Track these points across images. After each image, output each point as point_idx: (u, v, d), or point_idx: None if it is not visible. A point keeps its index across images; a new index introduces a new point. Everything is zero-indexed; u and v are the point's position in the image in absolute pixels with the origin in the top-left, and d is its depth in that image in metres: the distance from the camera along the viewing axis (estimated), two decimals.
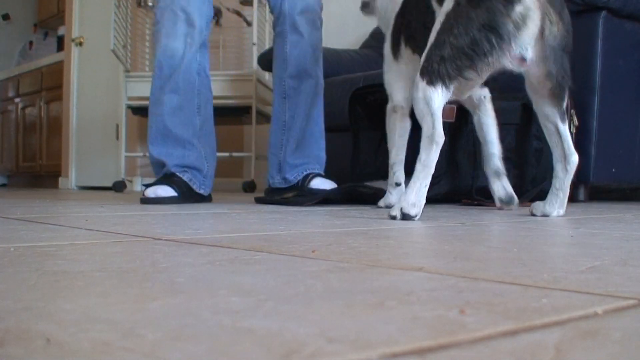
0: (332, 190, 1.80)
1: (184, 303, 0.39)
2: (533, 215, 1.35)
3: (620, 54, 2.12)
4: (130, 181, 4.07)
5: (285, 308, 0.38)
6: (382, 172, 2.19)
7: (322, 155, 1.98)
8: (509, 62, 1.21)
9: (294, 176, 1.91)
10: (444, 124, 1.84)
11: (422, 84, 1.23)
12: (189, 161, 1.85)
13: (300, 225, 1.04)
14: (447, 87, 1.22)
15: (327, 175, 1.97)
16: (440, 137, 1.24)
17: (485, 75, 1.27)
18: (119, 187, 3.55)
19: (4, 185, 6.27)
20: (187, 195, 1.82)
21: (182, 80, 1.83)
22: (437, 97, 1.23)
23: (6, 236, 0.81)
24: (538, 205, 1.37)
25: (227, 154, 3.57)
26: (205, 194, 1.90)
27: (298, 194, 1.87)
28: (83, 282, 0.47)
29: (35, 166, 5.62)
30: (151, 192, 1.77)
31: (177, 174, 1.82)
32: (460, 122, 1.88)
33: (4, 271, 0.52)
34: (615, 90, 2.11)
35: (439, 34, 1.22)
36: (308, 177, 1.88)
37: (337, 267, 0.55)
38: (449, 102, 1.85)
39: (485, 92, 1.63)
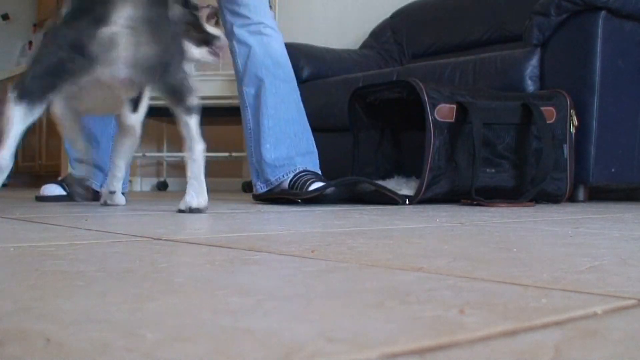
0: (330, 183, 1.77)
1: (183, 303, 0.39)
2: (180, 211, 1.35)
3: (620, 54, 2.12)
4: (130, 181, 4.07)
5: (284, 308, 0.38)
6: (382, 171, 2.18)
7: (310, 150, 1.95)
8: (107, 81, 1.25)
9: (275, 177, 1.90)
10: (444, 123, 1.85)
11: (12, 96, 1.20)
12: (89, 157, 1.91)
13: (299, 225, 1.04)
14: (32, 107, 1.20)
15: (323, 174, 1.95)
16: (5, 166, 1.24)
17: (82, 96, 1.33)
18: None
19: (3, 185, 6.27)
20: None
21: None
22: (17, 116, 1.19)
23: (6, 236, 0.81)
24: (183, 201, 1.36)
25: (226, 154, 3.57)
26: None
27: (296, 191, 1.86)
28: (82, 282, 0.47)
29: (35, 166, 5.61)
30: (41, 191, 1.91)
31: (73, 173, 1.93)
32: (459, 121, 1.88)
33: (4, 271, 0.52)
34: (615, 90, 2.11)
35: (39, 48, 1.24)
36: (307, 182, 1.85)
37: (337, 267, 0.55)
38: (447, 102, 1.86)
39: (137, 124, 1.67)
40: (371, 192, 1.82)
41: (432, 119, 1.83)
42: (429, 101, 1.84)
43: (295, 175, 1.88)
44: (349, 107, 2.19)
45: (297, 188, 1.85)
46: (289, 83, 1.95)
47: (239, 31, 1.92)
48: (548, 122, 1.95)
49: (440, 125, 1.85)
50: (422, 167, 1.85)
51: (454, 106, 1.87)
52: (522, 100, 1.97)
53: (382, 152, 2.21)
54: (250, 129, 1.96)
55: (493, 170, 1.93)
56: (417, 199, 1.82)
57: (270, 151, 1.90)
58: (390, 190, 1.77)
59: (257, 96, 1.92)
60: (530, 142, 1.95)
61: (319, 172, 1.93)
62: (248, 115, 1.96)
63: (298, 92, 1.98)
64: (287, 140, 1.91)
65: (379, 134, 2.21)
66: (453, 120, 1.87)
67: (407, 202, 1.77)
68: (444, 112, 1.86)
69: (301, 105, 1.98)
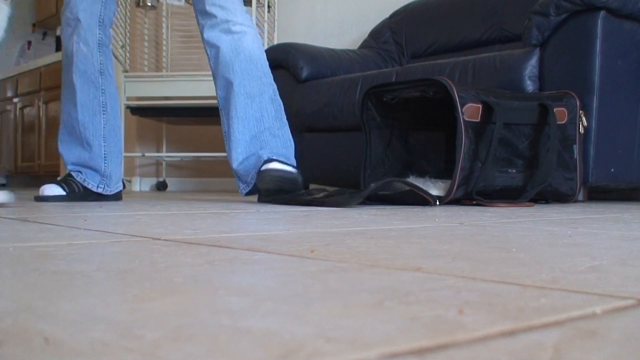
0: (371, 187, 1.74)
1: (183, 303, 0.39)
2: None
3: (619, 54, 2.12)
4: (129, 181, 4.07)
5: (283, 308, 0.38)
6: (394, 171, 2.17)
7: (285, 146, 1.96)
8: None
9: (250, 176, 1.93)
10: (470, 123, 1.84)
11: None
12: (84, 161, 1.94)
13: (298, 225, 1.04)
14: None
15: (322, 174, 1.96)
16: None
17: None
18: None
19: (2, 185, 6.27)
20: (80, 194, 1.93)
21: (78, 78, 1.92)
22: None
23: (6, 236, 0.81)
24: None
25: (226, 154, 3.57)
26: (106, 193, 1.96)
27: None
28: (82, 281, 0.47)
29: (34, 166, 5.62)
30: (41, 191, 1.91)
31: (73, 174, 1.95)
32: (483, 121, 1.86)
33: (3, 271, 0.52)
34: (614, 90, 2.12)
35: None
36: (263, 164, 1.87)
37: (336, 267, 0.55)
38: (474, 102, 1.84)
39: None
40: (402, 192, 1.79)
41: (462, 119, 1.82)
42: (459, 101, 1.82)
43: (261, 164, 1.90)
44: (361, 106, 2.16)
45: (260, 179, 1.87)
46: (261, 79, 1.94)
47: (208, 33, 1.93)
48: (559, 122, 1.95)
49: (467, 125, 1.83)
50: (435, 166, 1.84)
51: (480, 106, 1.86)
52: (537, 100, 1.97)
53: (392, 152, 2.20)
54: (225, 131, 1.98)
55: (514, 171, 1.93)
56: (448, 199, 1.80)
57: (241, 155, 1.93)
58: (424, 191, 1.76)
59: (227, 99, 1.94)
60: (545, 142, 1.95)
61: (291, 164, 1.93)
62: (223, 118, 1.98)
63: (273, 87, 1.97)
64: (258, 139, 1.92)
65: (388, 133, 2.20)
66: (479, 120, 1.86)
67: (437, 202, 1.76)
68: (471, 111, 1.85)
69: (278, 100, 1.97)
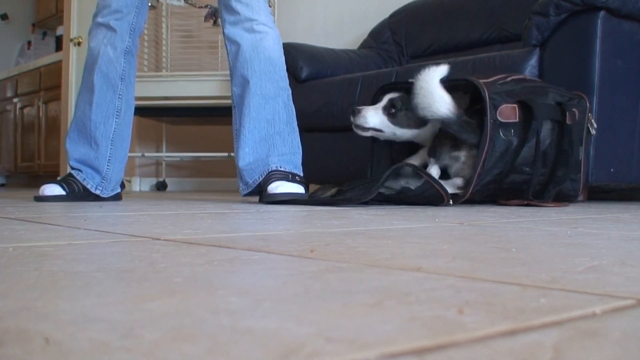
0: (381, 179, 1.70)
1: (183, 303, 0.39)
2: None
3: (619, 54, 2.12)
4: (129, 181, 4.07)
5: (283, 308, 0.38)
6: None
7: (292, 151, 1.96)
8: None
9: (252, 180, 1.93)
10: (509, 124, 1.81)
11: None
12: (88, 159, 1.94)
13: (298, 225, 1.04)
14: None
15: (321, 175, 1.95)
16: None
17: None
18: None
19: (2, 185, 6.27)
20: (80, 194, 1.93)
21: (99, 79, 1.93)
22: None
23: (5, 236, 0.81)
24: None
25: (226, 154, 3.57)
26: (103, 195, 1.97)
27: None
28: (82, 282, 0.47)
29: (34, 166, 5.62)
30: (41, 191, 1.92)
31: (73, 173, 1.95)
32: (525, 120, 1.84)
33: (3, 271, 0.52)
34: (614, 90, 2.12)
35: None
36: (267, 181, 1.87)
37: (336, 267, 0.55)
38: (508, 102, 1.82)
39: None
40: (413, 194, 1.73)
41: (492, 120, 1.78)
42: (490, 102, 1.78)
43: (266, 175, 1.90)
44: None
45: (263, 187, 1.87)
46: (278, 82, 1.95)
47: (229, 29, 1.93)
48: (571, 123, 1.93)
49: (499, 126, 1.79)
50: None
51: (515, 105, 1.83)
52: (552, 92, 1.93)
53: (397, 152, 2.18)
54: (236, 129, 1.98)
55: (529, 169, 1.91)
56: (463, 199, 1.77)
57: (249, 155, 1.93)
58: (439, 184, 1.70)
59: (242, 97, 1.94)
60: (561, 141, 1.92)
61: (297, 172, 1.93)
62: (235, 115, 1.98)
63: (288, 92, 1.98)
64: (267, 141, 1.93)
65: None
66: (517, 120, 1.82)
67: (451, 202, 1.71)
68: (506, 112, 1.81)
69: (291, 104, 1.98)
